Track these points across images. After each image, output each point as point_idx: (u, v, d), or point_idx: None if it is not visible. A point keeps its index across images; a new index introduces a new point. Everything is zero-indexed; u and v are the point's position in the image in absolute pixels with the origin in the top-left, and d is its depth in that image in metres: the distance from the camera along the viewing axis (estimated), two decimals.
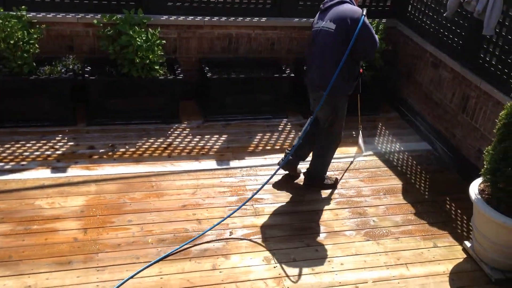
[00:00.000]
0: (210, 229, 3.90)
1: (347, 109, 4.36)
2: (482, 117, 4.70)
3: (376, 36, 4.04)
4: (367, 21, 3.96)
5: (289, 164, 4.48)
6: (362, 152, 5.02)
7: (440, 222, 4.29)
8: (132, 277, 3.45)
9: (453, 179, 4.91)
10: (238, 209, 4.07)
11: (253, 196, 4.23)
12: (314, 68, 4.16)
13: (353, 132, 5.43)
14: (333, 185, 4.61)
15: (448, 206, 4.51)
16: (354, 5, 4.10)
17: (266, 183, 4.21)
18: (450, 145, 5.15)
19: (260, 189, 4.20)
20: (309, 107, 4.46)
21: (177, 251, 3.70)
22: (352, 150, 5.18)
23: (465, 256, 3.96)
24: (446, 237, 4.13)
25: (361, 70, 4.33)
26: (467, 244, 4.01)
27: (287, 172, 4.60)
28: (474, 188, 3.82)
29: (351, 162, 5.00)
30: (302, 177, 4.63)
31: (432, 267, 3.83)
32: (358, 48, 3.95)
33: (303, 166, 4.63)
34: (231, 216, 4.10)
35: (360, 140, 5.02)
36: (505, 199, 3.57)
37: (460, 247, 4.04)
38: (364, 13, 3.96)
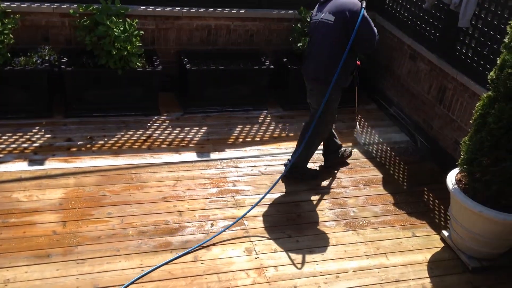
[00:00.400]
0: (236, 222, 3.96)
1: (340, 100, 4.40)
2: (458, 109, 4.77)
3: (375, 29, 4.08)
4: (366, 13, 3.99)
5: (336, 159, 4.79)
6: (358, 142, 5.20)
7: (418, 212, 4.36)
8: (167, 263, 3.52)
9: (431, 170, 4.98)
10: (254, 206, 4.09)
11: (264, 196, 4.21)
12: (311, 59, 4.20)
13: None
14: (314, 177, 4.63)
15: (426, 196, 4.58)
16: None
17: (276, 182, 4.26)
18: (428, 136, 5.22)
19: (274, 185, 4.24)
20: (306, 98, 4.51)
21: (202, 245, 3.70)
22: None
23: (443, 245, 4.03)
24: (424, 227, 4.20)
25: (358, 63, 4.36)
26: (445, 233, 4.08)
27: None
28: (451, 178, 3.88)
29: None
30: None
31: (411, 256, 3.88)
32: (358, 41, 3.99)
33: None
34: (212, 208, 4.10)
35: (358, 129, 5.17)
36: (481, 189, 3.63)
37: (438, 236, 4.11)
38: (364, 6, 3.99)
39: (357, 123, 5.20)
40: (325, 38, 4.08)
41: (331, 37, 4.05)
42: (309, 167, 4.65)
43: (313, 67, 4.19)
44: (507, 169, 3.46)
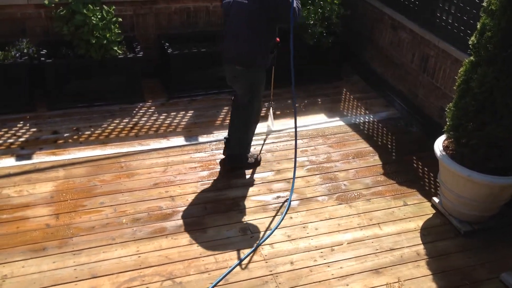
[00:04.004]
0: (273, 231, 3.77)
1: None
2: (442, 76, 4.80)
3: (295, 1, 3.70)
4: None
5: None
6: (271, 130, 4.84)
7: (408, 181, 4.41)
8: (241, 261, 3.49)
9: (418, 138, 5.03)
10: (270, 234, 3.75)
11: (276, 227, 3.85)
12: (230, 43, 3.91)
13: (289, 101, 5.43)
14: (257, 163, 4.45)
15: (415, 165, 4.63)
16: None
17: (286, 210, 3.99)
18: (413, 105, 5.25)
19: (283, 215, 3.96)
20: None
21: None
22: (319, 118, 5.25)
23: (434, 211, 4.09)
24: (415, 195, 4.25)
25: (277, 39, 4.04)
26: (435, 200, 4.13)
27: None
28: (439, 145, 3.92)
29: (264, 141, 4.78)
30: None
31: (403, 224, 3.94)
32: (276, 17, 3.75)
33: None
34: (205, 190, 4.11)
35: (270, 117, 4.83)
36: (469, 154, 3.68)
37: (429, 204, 4.17)
38: None
39: (271, 108, 4.90)
40: (241, 19, 3.80)
41: (247, 16, 3.77)
42: (251, 153, 4.46)
43: (234, 50, 3.88)
44: (492, 132, 3.51)
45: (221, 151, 4.59)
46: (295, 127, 4.16)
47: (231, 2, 3.85)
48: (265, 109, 5.06)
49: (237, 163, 4.38)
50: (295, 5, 3.71)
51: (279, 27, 3.99)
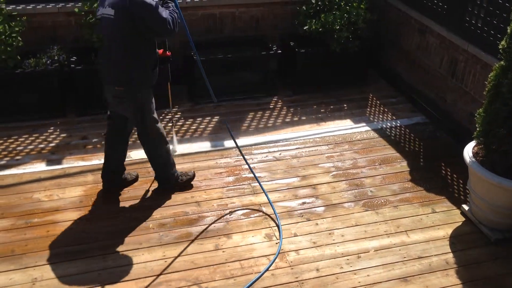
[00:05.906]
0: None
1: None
2: (471, 81, 4.72)
3: (166, 12, 3.49)
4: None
5: (112, 182, 4.14)
6: (175, 151, 4.61)
7: (437, 188, 4.33)
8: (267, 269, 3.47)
9: (447, 144, 4.94)
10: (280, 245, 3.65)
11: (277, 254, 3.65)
12: (105, 63, 3.69)
13: (314, 107, 5.42)
14: (191, 179, 4.23)
15: (443, 171, 4.55)
16: None
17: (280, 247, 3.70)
18: (442, 110, 5.17)
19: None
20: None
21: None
22: (345, 123, 5.22)
23: (463, 219, 4.01)
24: (444, 202, 4.18)
25: (168, 53, 3.87)
26: (465, 207, 4.05)
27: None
28: (468, 151, 3.85)
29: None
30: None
31: (432, 232, 3.87)
32: (147, 30, 3.50)
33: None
34: (230, 196, 4.12)
35: (174, 138, 4.66)
36: (499, 160, 3.60)
37: (458, 211, 4.09)
38: None
39: (173, 128, 4.80)
40: (111, 36, 3.55)
41: (117, 33, 3.50)
42: (183, 171, 4.25)
43: (108, 70, 3.66)
44: None
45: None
46: (237, 146, 4.16)
47: (100, 17, 3.56)
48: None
49: (169, 185, 4.15)
50: (165, 15, 3.47)
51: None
